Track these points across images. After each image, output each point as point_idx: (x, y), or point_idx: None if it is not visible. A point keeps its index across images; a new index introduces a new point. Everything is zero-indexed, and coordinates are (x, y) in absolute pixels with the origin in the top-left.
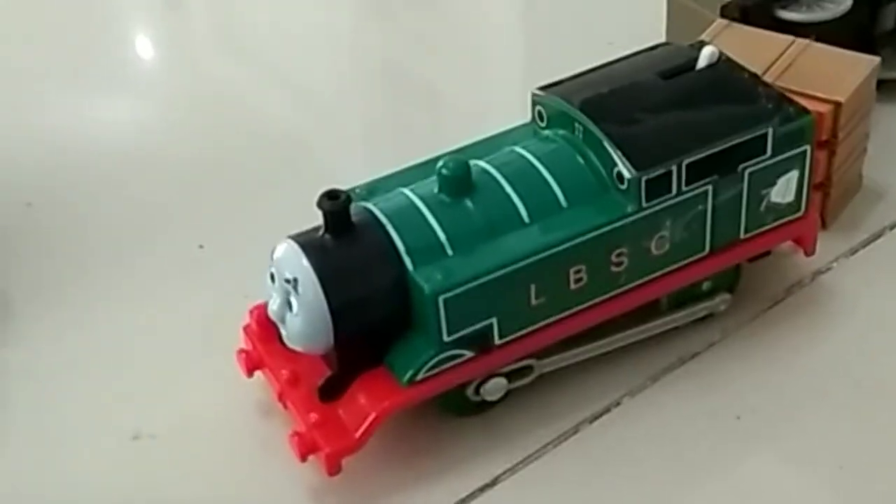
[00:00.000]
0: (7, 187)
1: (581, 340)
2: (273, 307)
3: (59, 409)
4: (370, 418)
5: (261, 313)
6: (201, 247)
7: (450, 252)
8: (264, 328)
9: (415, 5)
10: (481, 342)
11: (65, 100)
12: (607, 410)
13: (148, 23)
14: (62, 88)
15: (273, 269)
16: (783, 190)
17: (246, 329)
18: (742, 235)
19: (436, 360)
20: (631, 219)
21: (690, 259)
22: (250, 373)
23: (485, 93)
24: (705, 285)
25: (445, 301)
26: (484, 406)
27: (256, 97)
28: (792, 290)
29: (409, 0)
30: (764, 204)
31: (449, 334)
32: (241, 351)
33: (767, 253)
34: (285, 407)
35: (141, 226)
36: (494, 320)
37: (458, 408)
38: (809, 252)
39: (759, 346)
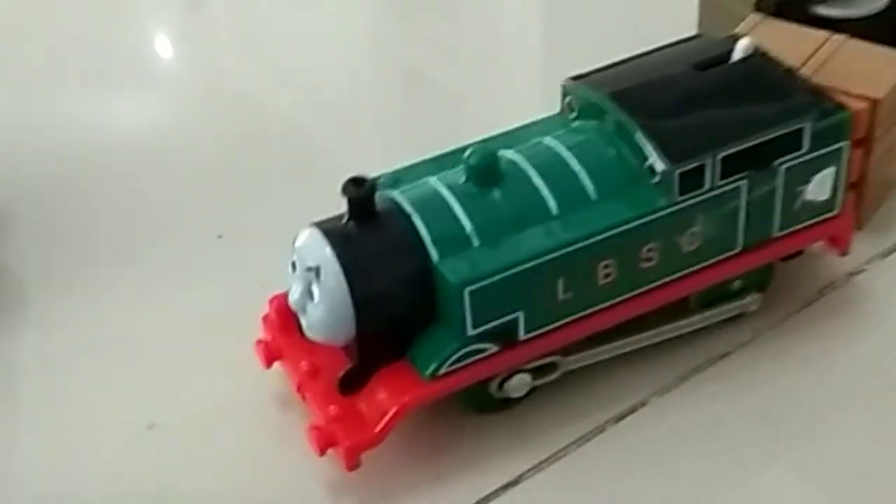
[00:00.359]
0: (24, 175)
1: (608, 338)
2: (294, 296)
3: (72, 398)
4: (391, 412)
5: (281, 303)
6: (220, 237)
7: (476, 243)
8: (284, 319)
9: (433, 6)
10: (506, 337)
11: (85, 95)
12: (633, 410)
13: (168, 22)
14: (82, 84)
15: (295, 258)
16: (818, 187)
17: (265, 319)
18: (775, 233)
19: (459, 353)
20: (662, 213)
21: (722, 256)
22: (269, 364)
23: (503, 93)
24: (736, 284)
25: (471, 293)
26: (507, 403)
27: (274, 97)
28: (824, 291)
29: (428, 1)
30: (798, 201)
31: (473, 328)
32: (260, 341)
33: (800, 252)
34: (304, 399)
35: (159, 215)
36: (520, 314)
37: (481, 404)
38: (844, 252)
39: (790, 348)
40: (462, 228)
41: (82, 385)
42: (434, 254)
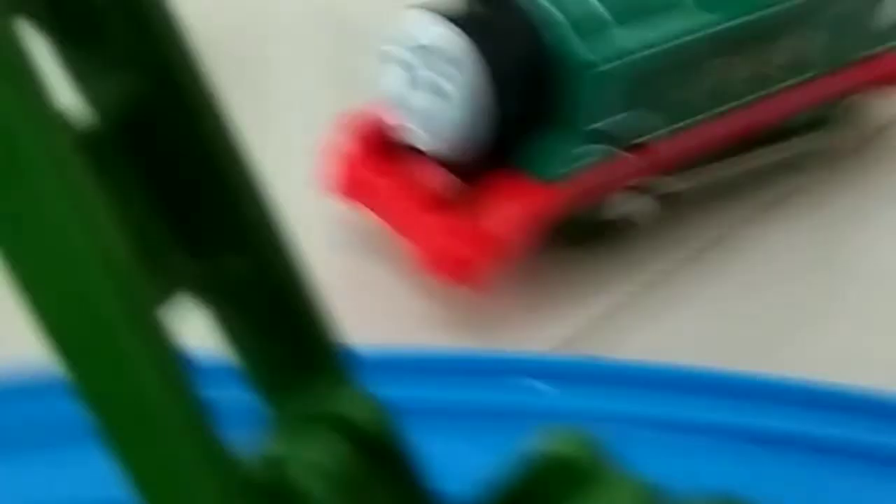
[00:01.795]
0: None
1: (717, 160)
2: (395, 87)
3: None
4: (513, 221)
5: (367, 116)
6: None
7: (610, 25)
8: (371, 133)
9: None
10: (635, 137)
11: None
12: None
13: None
14: None
15: (396, 44)
16: None
17: (349, 131)
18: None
19: (582, 150)
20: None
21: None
22: (353, 182)
23: None
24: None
25: (601, 76)
26: (605, 228)
27: None
28: None
29: None
30: None
31: (598, 120)
32: (343, 155)
33: None
34: (396, 220)
35: None
36: (654, 114)
37: (577, 232)
38: None
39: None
40: (595, 8)
41: None
42: (566, 35)
